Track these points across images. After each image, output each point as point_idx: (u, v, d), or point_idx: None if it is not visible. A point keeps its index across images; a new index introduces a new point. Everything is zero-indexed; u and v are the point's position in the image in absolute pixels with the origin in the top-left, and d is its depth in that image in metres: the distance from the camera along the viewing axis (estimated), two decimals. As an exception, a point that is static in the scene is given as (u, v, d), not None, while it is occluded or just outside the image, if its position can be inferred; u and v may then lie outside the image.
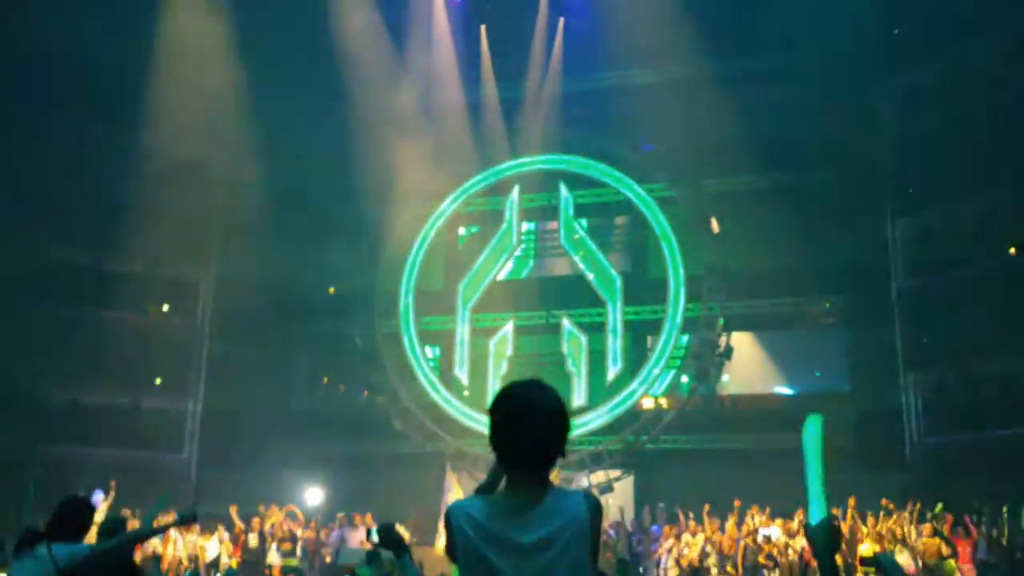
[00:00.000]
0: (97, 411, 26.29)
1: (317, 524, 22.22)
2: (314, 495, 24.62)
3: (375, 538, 8.15)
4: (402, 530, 19.26)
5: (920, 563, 17.35)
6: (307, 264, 28.89)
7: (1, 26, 23.43)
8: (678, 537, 19.79)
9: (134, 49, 24.82)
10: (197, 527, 20.01)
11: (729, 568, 18.79)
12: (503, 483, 2.96)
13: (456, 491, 21.82)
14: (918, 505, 18.47)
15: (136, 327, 26.97)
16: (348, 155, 25.44)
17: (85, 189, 25.58)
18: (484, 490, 3.65)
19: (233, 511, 21.14)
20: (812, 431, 3.70)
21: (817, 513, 3.46)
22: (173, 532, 19.53)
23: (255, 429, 26.99)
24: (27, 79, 24.61)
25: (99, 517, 15.59)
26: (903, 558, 16.99)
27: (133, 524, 15.03)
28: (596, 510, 2.90)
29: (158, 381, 28.29)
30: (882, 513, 18.44)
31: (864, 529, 18.21)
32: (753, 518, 19.46)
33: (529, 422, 2.87)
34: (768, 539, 18.43)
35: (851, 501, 18.66)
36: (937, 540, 17.51)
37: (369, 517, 21.27)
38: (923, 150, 23.15)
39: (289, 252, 27.67)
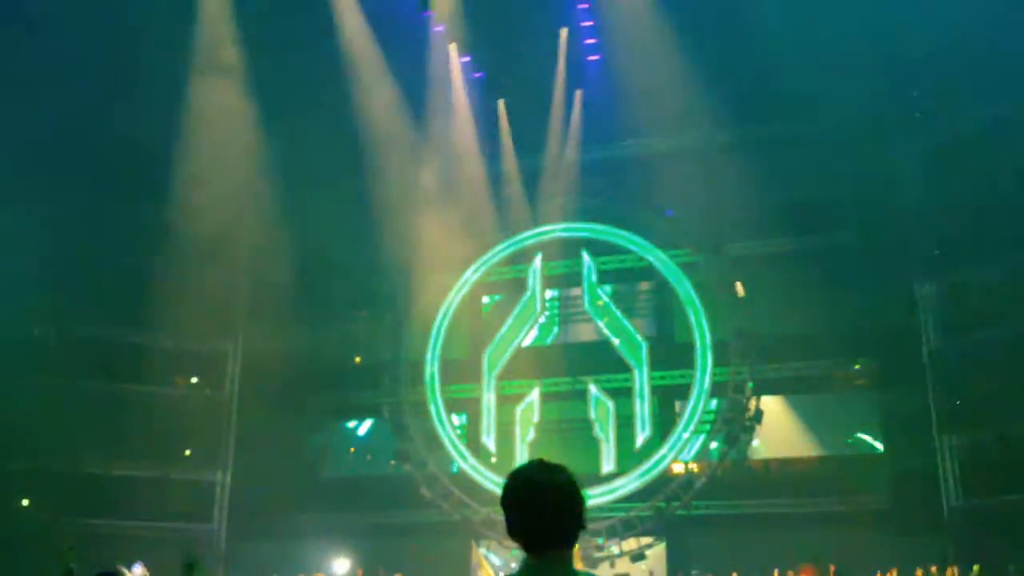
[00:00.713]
0: (127, 483, 26.33)
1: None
2: (342, 564, 24.48)
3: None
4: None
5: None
6: (333, 335, 29.07)
7: (29, 104, 23.98)
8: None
9: (161, 127, 25.25)
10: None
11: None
12: (526, 565, 2.91)
13: (485, 569, 21.64)
14: (957, 570, 18.11)
15: (165, 400, 27.19)
16: (372, 228, 25.72)
17: (114, 265, 26.00)
18: None
19: None
20: None
21: None
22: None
23: (283, 499, 26.92)
24: (56, 158, 25.14)
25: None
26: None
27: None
28: None
29: (187, 453, 28.34)
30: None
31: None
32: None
33: (540, 505, 2.85)
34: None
35: (891, 574, 18.31)
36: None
37: None
38: (949, 211, 23.03)
39: (315, 324, 27.90)
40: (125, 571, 14.98)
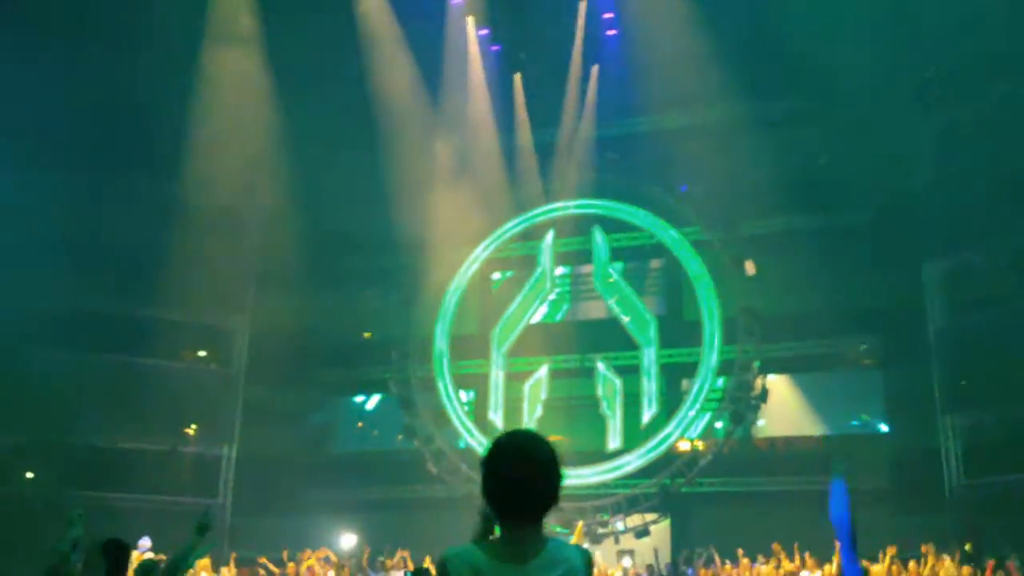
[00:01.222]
0: (134, 457, 26.34)
1: (352, 568, 22.18)
2: (348, 539, 24.60)
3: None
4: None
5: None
6: (342, 310, 29.15)
7: (39, 72, 23.93)
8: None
9: (172, 98, 25.25)
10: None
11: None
12: (499, 532, 2.97)
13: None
14: (959, 549, 18.32)
15: (172, 374, 27.11)
16: (383, 202, 25.79)
17: (123, 238, 25.89)
18: (478, 537, 3.61)
19: (265, 562, 21.19)
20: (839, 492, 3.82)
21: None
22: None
23: (290, 474, 27.04)
24: (64, 130, 25.07)
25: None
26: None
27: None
28: (589, 563, 2.98)
29: (194, 427, 28.39)
30: (923, 559, 18.24)
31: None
32: (792, 559, 19.27)
33: (519, 472, 2.90)
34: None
35: (890, 551, 18.48)
36: (978, 585, 17.31)
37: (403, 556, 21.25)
38: (958, 189, 23.14)
39: (324, 299, 27.98)
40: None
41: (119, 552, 6.07)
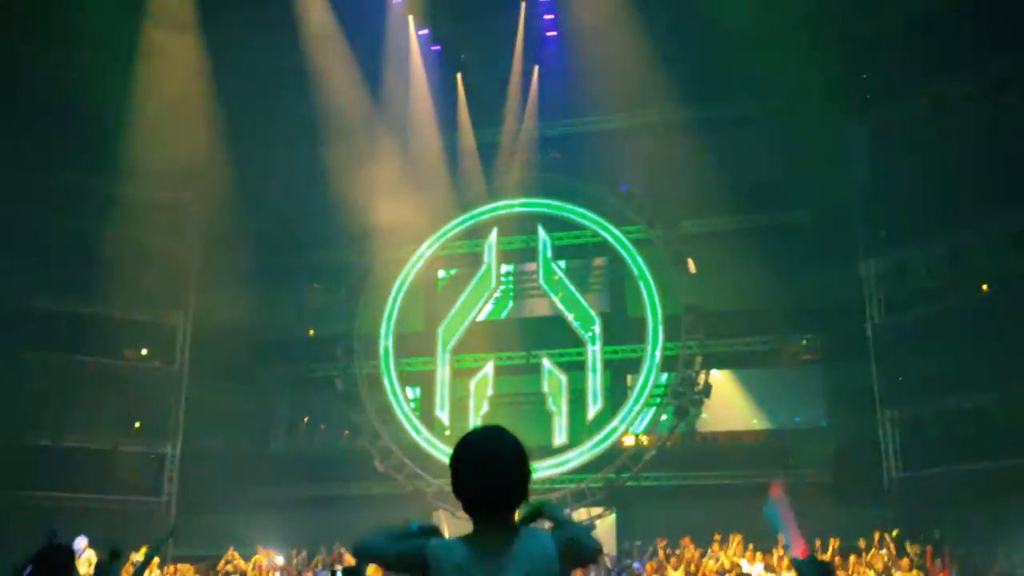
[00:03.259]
0: (75, 455, 26.05)
1: (298, 565, 22.18)
2: (293, 537, 24.47)
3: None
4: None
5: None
6: (286, 307, 29.04)
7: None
8: (658, 573, 19.86)
9: (111, 95, 24.87)
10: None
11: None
12: (472, 527, 3.02)
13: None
14: (894, 535, 18.83)
15: (114, 371, 26.83)
16: (326, 200, 25.69)
17: (62, 235, 25.54)
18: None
19: (234, 554, 21.20)
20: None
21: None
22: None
23: (234, 471, 26.83)
24: (1, 127, 24.64)
25: (85, 568, 15.64)
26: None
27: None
28: (564, 546, 2.99)
29: (136, 425, 28.11)
30: (863, 552, 18.71)
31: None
32: (733, 549, 19.62)
33: (488, 470, 2.95)
34: (750, 577, 18.51)
35: (833, 543, 18.89)
36: (916, 573, 17.75)
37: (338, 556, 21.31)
38: (894, 189, 23.62)
39: (267, 295, 27.80)
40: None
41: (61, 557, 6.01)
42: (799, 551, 7.91)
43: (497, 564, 2.89)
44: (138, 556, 18.83)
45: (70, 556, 6.07)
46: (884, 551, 18.71)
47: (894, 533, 19.47)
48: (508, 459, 2.99)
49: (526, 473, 3.02)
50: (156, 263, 26.10)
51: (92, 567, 16.45)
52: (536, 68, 27.10)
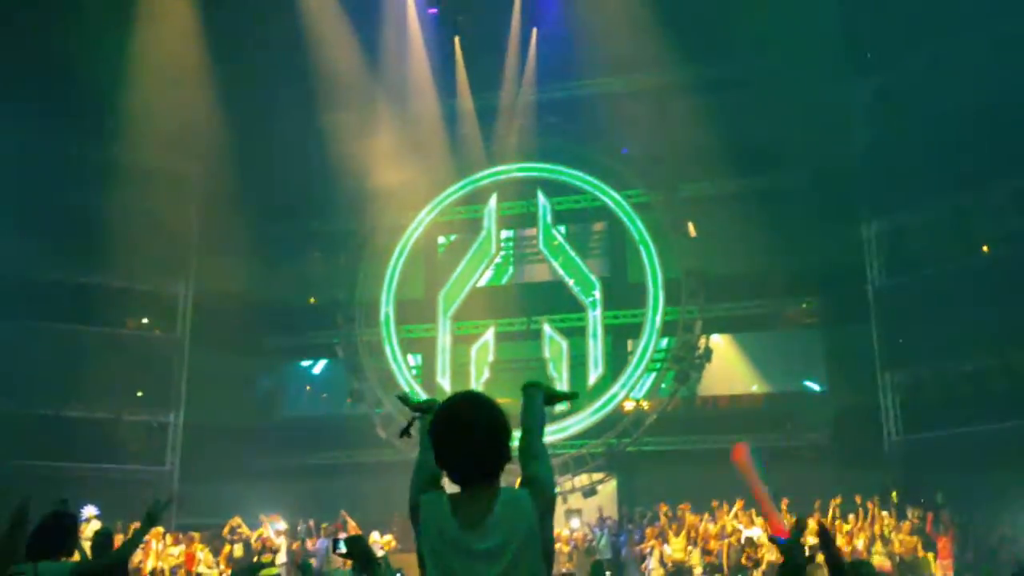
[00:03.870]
0: (78, 425, 26.11)
1: (302, 533, 22.31)
2: (297, 506, 24.59)
3: (342, 549, 8.21)
4: (386, 538, 19.36)
5: (898, 560, 17.60)
6: (287, 275, 28.95)
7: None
8: (660, 538, 19.95)
9: (110, 62, 24.69)
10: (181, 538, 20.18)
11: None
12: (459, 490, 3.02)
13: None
14: (893, 498, 18.90)
15: (116, 341, 26.80)
16: (326, 167, 25.59)
17: (62, 204, 25.36)
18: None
19: (240, 523, 21.31)
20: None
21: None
22: (155, 543, 19.58)
23: (237, 440, 26.91)
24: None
25: (90, 532, 15.70)
26: (879, 558, 17.23)
27: (119, 539, 15.07)
28: (538, 497, 2.99)
29: (139, 394, 28.17)
30: (861, 511, 18.74)
31: (845, 527, 18.49)
32: (735, 514, 19.70)
33: (466, 439, 2.96)
34: (751, 541, 18.58)
35: (834, 501, 18.95)
36: (915, 538, 17.81)
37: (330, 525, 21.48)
38: (895, 151, 23.41)
39: (268, 264, 27.73)
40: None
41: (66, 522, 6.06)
42: (775, 528, 7.80)
43: (476, 529, 2.91)
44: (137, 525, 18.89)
45: (73, 521, 6.14)
46: (886, 512, 18.76)
47: (893, 495, 19.55)
48: (484, 428, 2.98)
49: (504, 441, 3.01)
50: (157, 232, 25.99)
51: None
52: (534, 31, 26.86)
